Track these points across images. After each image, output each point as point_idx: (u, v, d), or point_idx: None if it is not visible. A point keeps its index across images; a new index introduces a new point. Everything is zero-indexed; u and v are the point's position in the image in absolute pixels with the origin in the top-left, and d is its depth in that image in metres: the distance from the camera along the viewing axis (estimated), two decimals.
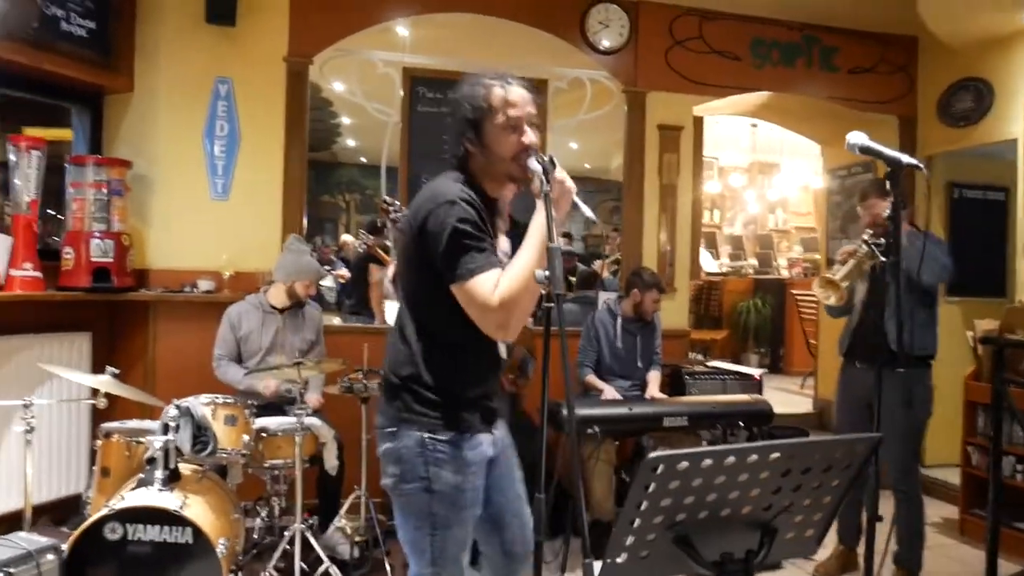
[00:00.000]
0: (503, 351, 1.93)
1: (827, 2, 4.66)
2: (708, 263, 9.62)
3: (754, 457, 1.35)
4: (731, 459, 1.33)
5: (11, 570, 2.23)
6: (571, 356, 4.13)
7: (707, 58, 4.79)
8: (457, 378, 1.86)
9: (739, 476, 1.37)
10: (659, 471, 1.30)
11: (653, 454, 1.27)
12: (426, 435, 1.82)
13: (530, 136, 1.80)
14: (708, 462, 1.32)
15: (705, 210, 10.61)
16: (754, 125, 9.28)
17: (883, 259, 2.12)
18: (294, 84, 4.18)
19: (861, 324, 3.43)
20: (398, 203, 3.05)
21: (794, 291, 8.07)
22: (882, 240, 2.97)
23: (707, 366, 4.64)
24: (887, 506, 3.29)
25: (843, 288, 3.18)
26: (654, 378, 4.12)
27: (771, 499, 1.44)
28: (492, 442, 1.92)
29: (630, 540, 1.38)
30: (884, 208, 3.29)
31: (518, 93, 1.81)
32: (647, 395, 4.01)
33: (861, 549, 3.57)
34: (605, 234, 9.17)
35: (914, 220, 3.37)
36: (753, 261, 10.32)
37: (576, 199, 1.75)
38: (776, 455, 1.37)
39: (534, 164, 1.72)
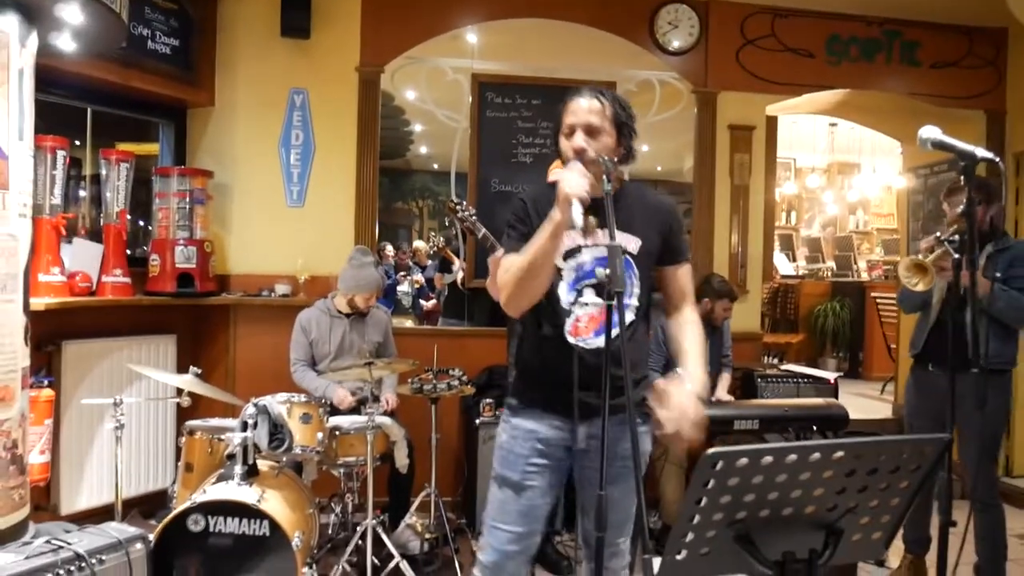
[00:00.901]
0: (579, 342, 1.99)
1: None
2: (784, 265, 9.39)
3: (816, 456, 1.32)
4: (792, 457, 1.31)
5: (103, 557, 2.35)
6: None
7: (780, 56, 4.69)
8: (520, 354, 2.14)
9: (801, 475, 1.34)
10: (718, 467, 1.29)
11: (712, 450, 1.27)
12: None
13: (577, 141, 1.93)
14: (768, 459, 1.30)
15: (782, 212, 10.37)
16: (833, 124, 9.03)
17: (955, 255, 2.05)
18: (366, 93, 4.29)
19: (938, 325, 3.29)
20: (465, 202, 3.09)
21: (874, 294, 7.80)
22: (956, 238, 2.86)
23: (780, 369, 4.54)
24: (963, 516, 3.16)
25: (932, 273, 3.03)
26: (724, 381, 4.06)
27: (836, 499, 1.41)
28: (567, 431, 2.02)
29: (690, 537, 1.38)
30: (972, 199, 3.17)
31: (575, 102, 1.98)
32: (715, 397, 3.95)
33: (930, 557, 3.47)
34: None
35: (999, 222, 3.20)
36: (831, 263, 10.02)
37: (574, 206, 1.74)
38: (840, 454, 1.34)
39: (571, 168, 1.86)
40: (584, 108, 1.95)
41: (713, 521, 1.37)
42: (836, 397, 4.26)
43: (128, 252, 3.84)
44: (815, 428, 3.80)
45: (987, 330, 3.11)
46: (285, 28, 4.08)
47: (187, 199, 3.91)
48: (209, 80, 4.18)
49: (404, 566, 3.17)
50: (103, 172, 3.75)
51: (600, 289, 1.96)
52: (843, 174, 10.69)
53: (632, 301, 2.02)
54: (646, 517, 1.51)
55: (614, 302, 1.60)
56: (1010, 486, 4.55)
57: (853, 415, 3.97)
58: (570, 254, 1.96)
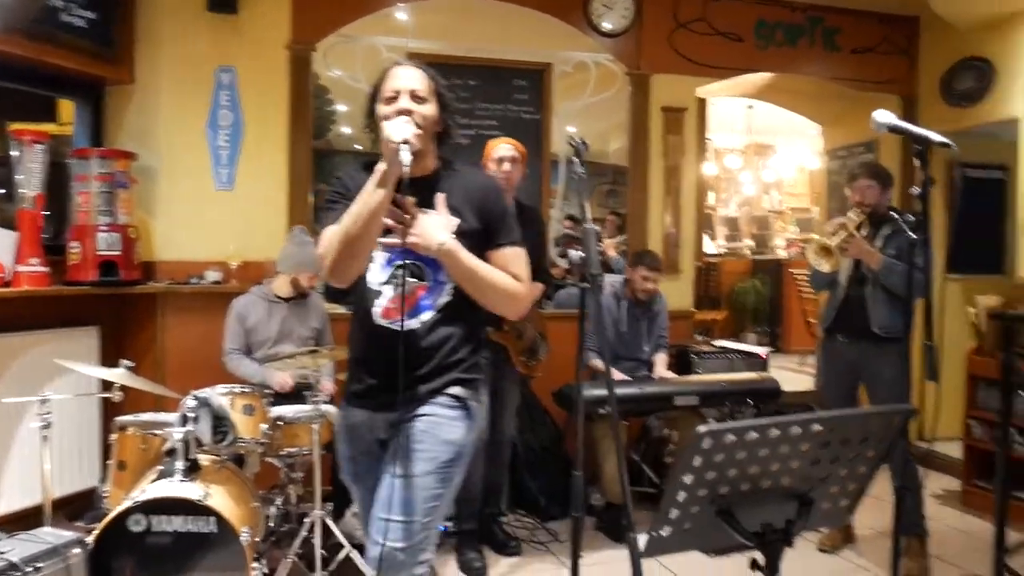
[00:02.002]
0: (379, 315, 1.88)
1: None
2: (706, 245, 9.65)
3: (797, 430, 1.36)
4: (775, 432, 1.35)
5: (39, 565, 2.23)
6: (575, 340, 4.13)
7: (711, 40, 4.78)
8: (350, 345, 2.00)
9: (781, 448, 1.38)
10: (706, 445, 1.31)
11: (702, 428, 1.29)
12: None
13: (403, 103, 1.81)
14: (753, 435, 1.33)
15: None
16: (750, 107, 9.28)
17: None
18: (297, 72, 4.15)
19: (846, 300, 3.49)
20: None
21: (792, 271, 8.11)
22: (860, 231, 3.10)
23: (713, 345, 4.67)
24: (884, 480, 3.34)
25: (837, 255, 3.28)
26: (661, 359, 4.14)
27: (809, 470, 1.46)
28: (374, 423, 1.90)
29: (675, 513, 1.40)
30: (871, 189, 3.40)
31: (398, 68, 1.89)
32: (655, 375, 4.03)
33: (855, 522, 3.67)
34: (603, 217, 9.18)
35: (908, 204, 3.45)
36: (749, 242, 10.36)
37: (402, 149, 1.67)
38: (818, 427, 1.38)
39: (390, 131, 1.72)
40: (409, 74, 1.86)
41: (698, 497, 1.40)
42: (766, 370, 4.42)
43: (45, 240, 3.61)
44: (750, 401, 3.94)
45: (884, 303, 3.34)
46: (212, 3, 3.89)
47: (109, 183, 3.70)
48: (129, 56, 3.95)
49: (355, 555, 3.12)
50: (14, 154, 3.50)
51: (415, 270, 1.86)
52: (759, 155, 11.04)
53: (449, 283, 1.87)
54: (629, 501, 1.52)
55: (589, 285, 1.61)
56: (927, 450, 4.82)
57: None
58: (385, 233, 1.79)
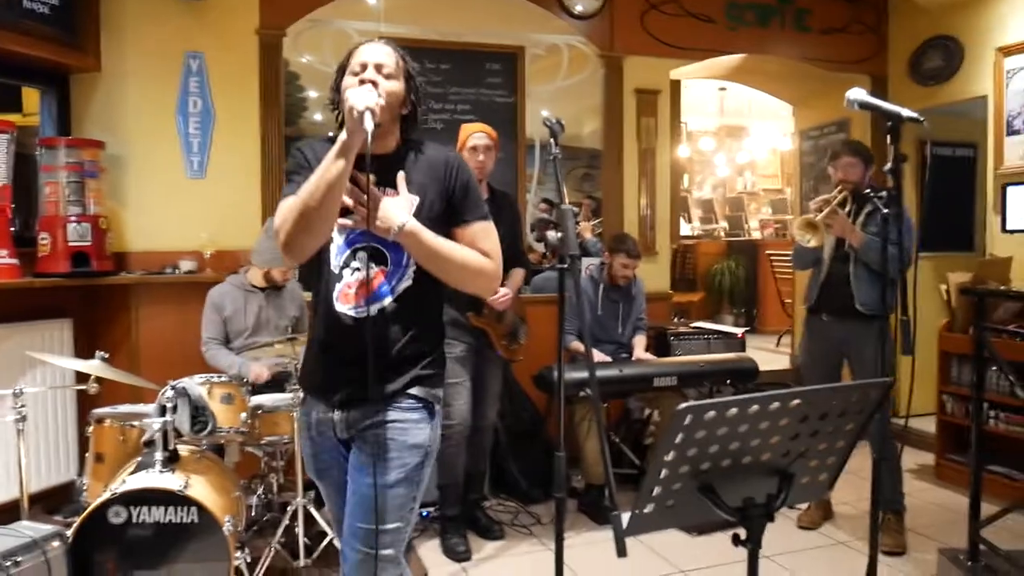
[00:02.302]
0: (345, 311, 1.77)
1: None
2: (681, 228, 9.70)
3: (776, 404, 1.38)
4: (755, 407, 1.36)
5: (18, 559, 2.21)
6: (554, 323, 4.14)
7: (682, 21, 4.79)
8: (310, 332, 1.91)
9: (761, 423, 1.40)
10: (687, 421, 1.32)
11: (682, 405, 1.30)
12: None
13: (368, 75, 1.72)
14: (734, 411, 1.35)
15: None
16: (722, 89, 9.33)
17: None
18: (267, 57, 4.10)
19: (829, 277, 3.53)
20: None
21: (768, 252, 8.18)
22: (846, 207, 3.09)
23: (691, 327, 4.70)
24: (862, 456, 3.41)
25: (822, 230, 3.31)
26: (639, 342, 4.17)
27: (789, 445, 1.48)
28: (334, 420, 1.81)
29: (657, 490, 1.41)
30: (853, 167, 3.45)
31: (367, 44, 1.80)
32: (634, 358, 4.05)
33: (834, 497, 3.74)
34: (579, 201, 9.19)
35: (882, 181, 3.48)
36: (724, 224, 10.43)
37: (366, 117, 1.59)
38: (797, 402, 1.40)
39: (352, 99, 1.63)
40: (377, 50, 1.78)
41: (679, 474, 1.41)
42: (744, 351, 4.47)
43: (12, 231, 3.54)
44: (728, 381, 3.98)
45: (867, 280, 3.38)
46: None
47: (78, 172, 3.63)
48: (94, 43, 3.87)
49: (339, 543, 3.11)
50: None
51: (373, 254, 1.76)
52: (732, 137, 11.10)
53: (411, 266, 1.78)
54: (612, 484, 1.54)
55: (565, 265, 1.61)
56: (900, 426, 4.91)
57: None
58: (343, 214, 1.70)
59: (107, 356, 2.97)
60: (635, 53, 4.71)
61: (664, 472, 1.40)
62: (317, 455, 1.87)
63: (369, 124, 1.58)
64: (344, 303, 1.75)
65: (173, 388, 2.82)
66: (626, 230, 4.60)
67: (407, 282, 1.77)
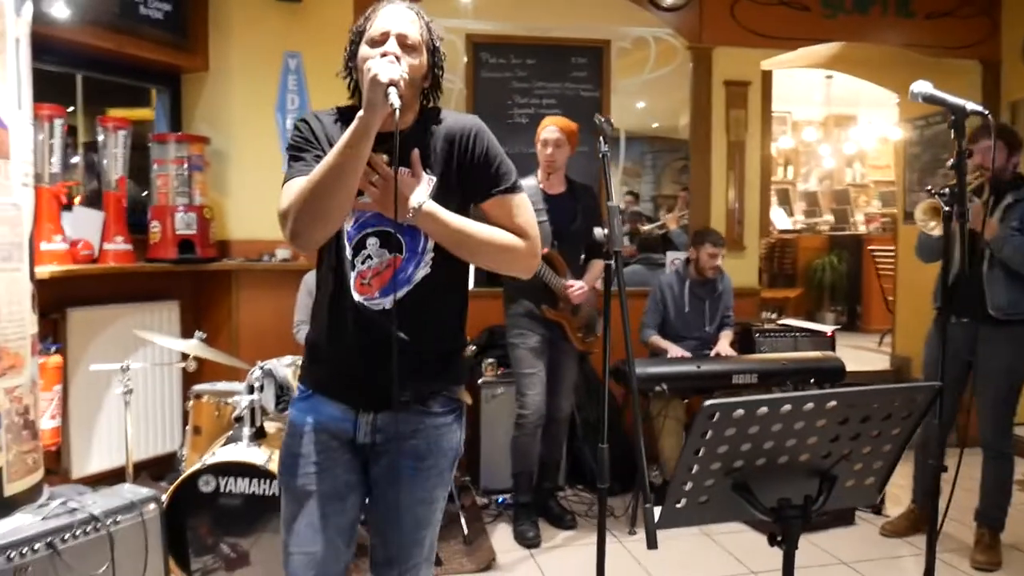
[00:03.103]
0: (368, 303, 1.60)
1: None
2: (781, 220, 9.42)
3: (810, 405, 1.37)
4: (787, 407, 1.36)
5: (118, 518, 2.42)
6: (636, 316, 4.15)
7: (774, 10, 4.66)
8: (315, 323, 1.71)
9: (796, 424, 1.39)
10: (715, 418, 1.34)
11: (709, 401, 1.31)
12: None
13: (390, 47, 1.53)
14: (764, 410, 1.35)
15: (778, 166, 10.36)
16: (829, 77, 8.96)
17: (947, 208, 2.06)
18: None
19: (960, 277, 3.26)
20: None
21: (871, 247, 7.83)
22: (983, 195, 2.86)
23: (777, 323, 4.59)
24: (975, 464, 3.24)
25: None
26: (725, 336, 4.11)
27: (829, 447, 1.46)
28: (354, 421, 1.64)
29: (689, 485, 1.43)
30: (996, 152, 3.11)
31: (391, 6, 1.60)
32: (715, 351, 4.00)
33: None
34: (675, 194, 9.07)
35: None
36: (829, 217, 10.04)
37: (391, 91, 1.43)
38: (833, 403, 1.39)
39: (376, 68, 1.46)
40: (401, 16, 1.57)
41: (711, 470, 1.43)
42: (833, 350, 4.33)
43: (128, 219, 3.85)
44: (812, 380, 3.87)
45: (1009, 282, 3.09)
46: None
47: (185, 165, 3.91)
48: (203, 45, 4.14)
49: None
50: (100, 139, 3.74)
51: (386, 239, 1.59)
52: (840, 127, 10.66)
53: (428, 252, 1.61)
54: (646, 470, 1.56)
55: (611, 262, 1.64)
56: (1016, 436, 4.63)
57: (851, 367, 4.04)
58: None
59: (204, 336, 3.20)
60: (724, 44, 4.62)
61: (695, 468, 1.41)
62: (315, 455, 1.63)
63: (396, 100, 1.42)
64: (361, 293, 1.59)
65: (261, 368, 3.01)
66: (713, 224, 4.54)
67: (424, 270, 1.61)
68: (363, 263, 1.59)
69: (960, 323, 3.21)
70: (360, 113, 1.43)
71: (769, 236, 8.15)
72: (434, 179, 1.60)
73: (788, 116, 10.23)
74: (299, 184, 1.50)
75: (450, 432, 1.67)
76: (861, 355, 6.60)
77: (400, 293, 1.57)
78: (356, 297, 1.59)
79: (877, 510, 3.73)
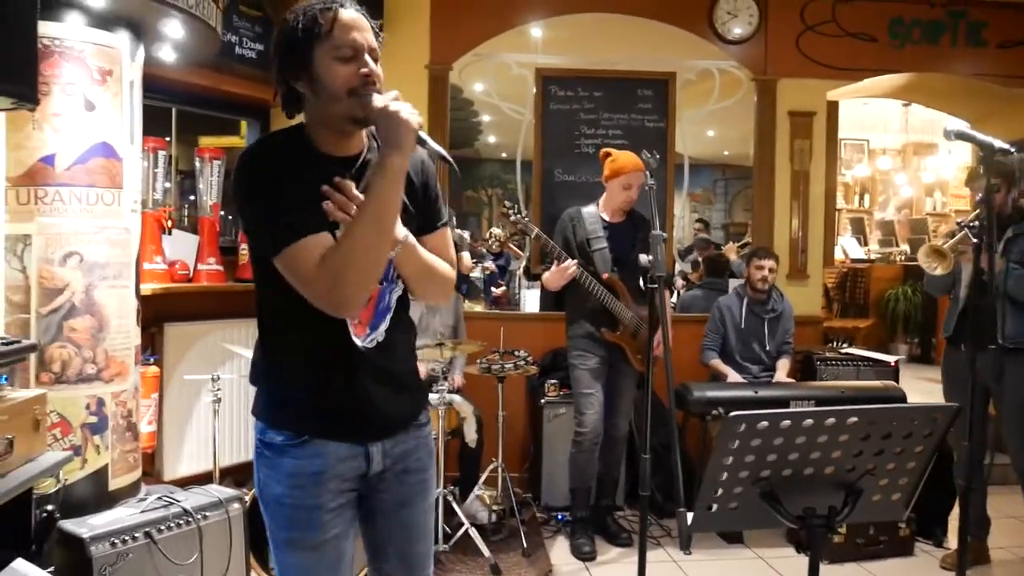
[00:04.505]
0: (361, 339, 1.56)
1: None
2: (854, 249, 9.28)
3: (832, 420, 1.48)
4: (809, 421, 1.47)
5: (207, 513, 2.67)
6: (699, 339, 4.24)
7: (841, 41, 4.72)
8: (279, 373, 1.60)
9: (819, 437, 1.50)
10: (742, 429, 1.46)
11: (735, 413, 1.44)
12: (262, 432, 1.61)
13: (372, 66, 1.45)
14: (787, 423, 1.46)
15: (854, 194, 10.23)
16: (906, 105, 8.85)
17: (975, 240, 2.13)
18: (435, 89, 4.53)
19: (968, 308, 3.35)
20: (517, 205, 3.35)
21: None
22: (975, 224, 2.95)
23: (840, 352, 4.59)
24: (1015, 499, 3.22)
25: (950, 258, 3.17)
26: (783, 365, 4.17)
27: (854, 461, 1.56)
28: (368, 456, 1.59)
29: (719, 492, 1.55)
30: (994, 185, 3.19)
31: (349, 13, 1.45)
32: (775, 380, 4.06)
33: (992, 542, 3.53)
34: (747, 222, 9.07)
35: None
36: (905, 247, 9.82)
37: (422, 134, 1.40)
38: (854, 419, 1.49)
39: (379, 100, 1.40)
40: (362, 24, 1.46)
41: (740, 478, 1.55)
42: (897, 380, 4.31)
43: (221, 242, 4.17)
44: None
45: (1006, 311, 3.20)
46: None
47: None
48: None
49: (473, 533, 3.41)
50: (197, 167, 4.08)
51: None
52: (919, 155, 10.45)
53: (397, 280, 1.60)
54: (679, 478, 1.69)
55: (656, 287, 1.78)
56: None
57: (919, 399, 4.04)
58: (332, 227, 1.45)
59: None
60: (789, 75, 4.70)
61: (724, 475, 1.53)
62: (321, 507, 1.54)
63: (437, 145, 1.42)
64: (358, 334, 1.54)
65: None
66: (777, 252, 4.60)
67: (397, 293, 1.62)
68: None
69: (970, 353, 3.27)
70: (386, 153, 1.38)
71: (841, 265, 8.06)
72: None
73: (865, 144, 10.10)
74: (321, 245, 1.40)
75: (430, 438, 1.71)
76: (930, 387, 6.44)
77: (386, 323, 1.57)
78: (356, 340, 1.54)
79: (938, 542, 3.70)
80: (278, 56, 1.47)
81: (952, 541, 3.70)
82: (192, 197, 4.67)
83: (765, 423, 1.46)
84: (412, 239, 1.52)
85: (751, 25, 4.63)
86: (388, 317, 1.58)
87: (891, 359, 4.41)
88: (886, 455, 1.57)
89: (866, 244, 9.79)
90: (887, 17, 4.73)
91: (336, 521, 1.55)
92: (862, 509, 1.63)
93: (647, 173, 1.87)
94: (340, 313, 1.44)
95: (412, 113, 1.39)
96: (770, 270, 4.11)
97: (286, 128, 1.54)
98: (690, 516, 1.60)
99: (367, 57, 1.44)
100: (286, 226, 1.39)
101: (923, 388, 6.03)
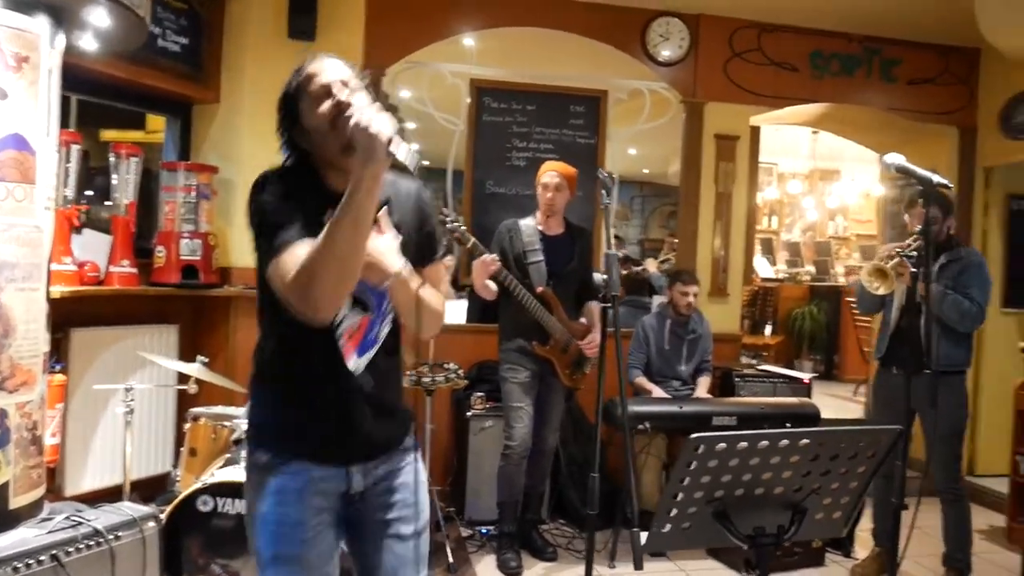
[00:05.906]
0: (357, 365, 1.61)
1: (889, 15, 4.71)
2: (764, 269, 9.64)
3: (785, 442, 1.51)
4: (764, 443, 1.50)
5: (119, 533, 2.50)
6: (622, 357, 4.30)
7: (765, 69, 4.90)
8: (268, 397, 1.67)
9: (771, 459, 1.53)
10: (700, 450, 1.47)
11: (695, 435, 1.45)
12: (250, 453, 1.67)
13: (346, 96, 1.51)
14: (743, 444, 1.49)
15: (763, 216, 10.64)
16: (815, 132, 9.27)
17: (913, 270, 2.23)
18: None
19: (898, 331, 3.52)
20: (454, 214, 3.32)
21: (850, 298, 8.04)
22: (914, 253, 3.10)
23: (757, 369, 4.74)
24: (934, 512, 3.40)
25: (892, 279, 3.26)
26: (703, 382, 4.28)
27: (801, 481, 1.60)
28: (348, 477, 1.63)
29: (674, 512, 1.56)
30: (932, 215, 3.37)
31: (325, 60, 1.61)
32: (695, 396, 4.15)
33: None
34: (662, 239, 9.30)
35: (956, 232, 3.45)
36: (810, 268, 10.29)
37: (395, 144, 1.40)
38: (806, 441, 1.53)
39: (353, 119, 1.42)
40: (337, 66, 1.60)
41: (694, 498, 1.56)
42: (809, 397, 4.48)
43: (134, 244, 3.96)
44: (788, 425, 4.01)
45: (939, 335, 3.33)
46: (292, 31, 4.21)
47: (193, 194, 4.04)
48: (216, 78, 4.30)
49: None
50: (112, 163, 3.86)
51: (356, 299, 1.58)
52: (824, 180, 10.97)
53: (388, 312, 1.65)
54: (636, 501, 1.69)
55: (609, 305, 1.78)
56: (975, 485, 4.80)
57: (827, 414, 4.21)
58: None
59: (207, 361, 3.31)
60: (716, 99, 4.84)
61: (680, 496, 1.54)
62: (304, 523, 1.58)
63: (408, 156, 1.40)
64: (346, 355, 1.59)
65: None
66: (698, 271, 4.71)
67: (387, 327, 1.66)
68: (340, 325, 1.57)
69: (900, 374, 3.41)
70: (359, 164, 1.40)
71: (752, 284, 8.36)
72: (400, 237, 1.61)
73: (774, 167, 10.52)
74: (305, 251, 1.43)
75: (420, 465, 1.74)
76: (837, 403, 6.77)
77: (372, 352, 1.62)
78: (348, 364, 1.59)
79: (847, 552, 3.85)
80: (278, 115, 1.70)
81: (860, 552, 3.86)
82: (90, 193, 4.44)
83: (723, 444, 1.48)
84: (407, 271, 1.57)
85: (682, 48, 4.75)
86: (376, 348, 1.63)
87: (805, 376, 4.58)
88: (832, 475, 1.62)
89: (774, 264, 10.20)
90: (809, 49, 4.95)
91: (319, 540, 1.59)
92: (806, 527, 1.67)
93: (604, 192, 1.87)
94: (315, 317, 1.46)
95: (382, 125, 1.41)
96: (694, 295, 4.21)
97: (305, 166, 1.68)
98: (644, 536, 1.60)
99: (337, 89, 1.54)
100: (284, 239, 1.49)
101: (832, 404, 6.33)
